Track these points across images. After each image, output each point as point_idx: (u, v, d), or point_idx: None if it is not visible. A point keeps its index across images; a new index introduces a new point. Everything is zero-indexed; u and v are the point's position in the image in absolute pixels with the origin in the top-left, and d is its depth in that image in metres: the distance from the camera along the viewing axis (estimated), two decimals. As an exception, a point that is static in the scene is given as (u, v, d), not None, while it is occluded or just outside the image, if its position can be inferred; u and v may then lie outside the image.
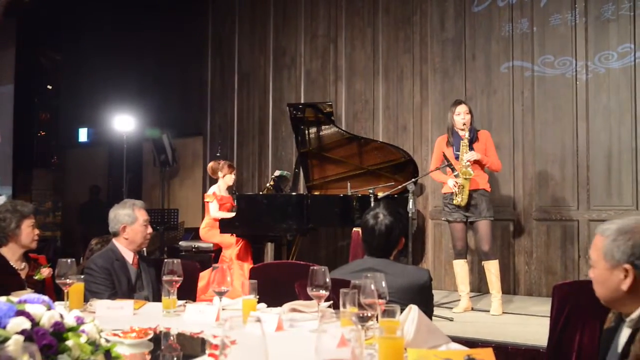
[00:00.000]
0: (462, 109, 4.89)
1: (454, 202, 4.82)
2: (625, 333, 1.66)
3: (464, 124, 4.84)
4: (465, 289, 4.95)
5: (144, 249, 3.31)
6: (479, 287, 5.77)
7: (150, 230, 3.18)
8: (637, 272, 1.61)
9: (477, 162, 4.83)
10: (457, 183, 4.78)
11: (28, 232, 3.33)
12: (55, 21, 9.07)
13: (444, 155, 4.91)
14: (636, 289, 1.62)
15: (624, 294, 1.63)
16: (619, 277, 1.63)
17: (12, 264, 3.23)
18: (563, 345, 2.24)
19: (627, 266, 1.61)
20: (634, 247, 1.61)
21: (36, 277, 3.34)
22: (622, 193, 5.40)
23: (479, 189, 4.84)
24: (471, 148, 4.83)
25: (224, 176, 6.01)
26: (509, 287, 5.76)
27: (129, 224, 3.08)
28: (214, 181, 6.25)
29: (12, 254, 3.30)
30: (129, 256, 3.10)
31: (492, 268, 4.83)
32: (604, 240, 1.67)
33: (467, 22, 6.27)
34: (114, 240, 3.12)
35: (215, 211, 5.82)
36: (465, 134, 4.82)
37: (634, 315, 1.63)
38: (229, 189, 6.12)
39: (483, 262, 4.92)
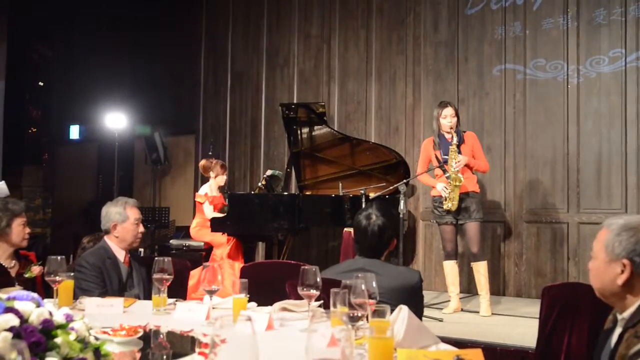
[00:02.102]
0: (448, 111, 4.85)
1: (444, 207, 4.80)
2: (617, 332, 1.69)
3: (451, 127, 4.81)
4: (455, 290, 4.96)
5: (141, 249, 3.28)
6: (469, 288, 5.79)
7: (142, 229, 3.15)
8: (635, 268, 1.64)
9: (465, 165, 4.80)
10: (446, 189, 4.77)
11: (19, 231, 3.30)
12: (47, 17, 9.00)
13: (437, 158, 4.90)
14: (631, 285, 1.65)
15: (618, 288, 1.66)
16: (616, 271, 1.66)
17: (1, 262, 3.21)
18: (552, 346, 2.25)
19: (626, 261, 1.65)
20: (636, 243, 1.64)
21: (26, 275, 3.31)
22: (612, 196, 5.44)
23: (469, 191, 4.83)
24: (459, 151, 4.79)
25: (215, 176, 5.99)
26: (499, 289, 5.79)
27: (120, 222, 3.07)
28: (205, 179, 6.23)
29: (1, 252, 3.28)
30: (121, 254, 3.08)
31: (480, 269, 4.84)
32: (608, 233, 1.70)
33: (460, 24, 6.29)
34: (106, 238, 3.10)
35: (210, 212, 5.80)
36: (453, 138, 4.79)
37: (625, 314, 1.66)
38: (220, 188, 6.11)
39: (472, 264, 4.92)
